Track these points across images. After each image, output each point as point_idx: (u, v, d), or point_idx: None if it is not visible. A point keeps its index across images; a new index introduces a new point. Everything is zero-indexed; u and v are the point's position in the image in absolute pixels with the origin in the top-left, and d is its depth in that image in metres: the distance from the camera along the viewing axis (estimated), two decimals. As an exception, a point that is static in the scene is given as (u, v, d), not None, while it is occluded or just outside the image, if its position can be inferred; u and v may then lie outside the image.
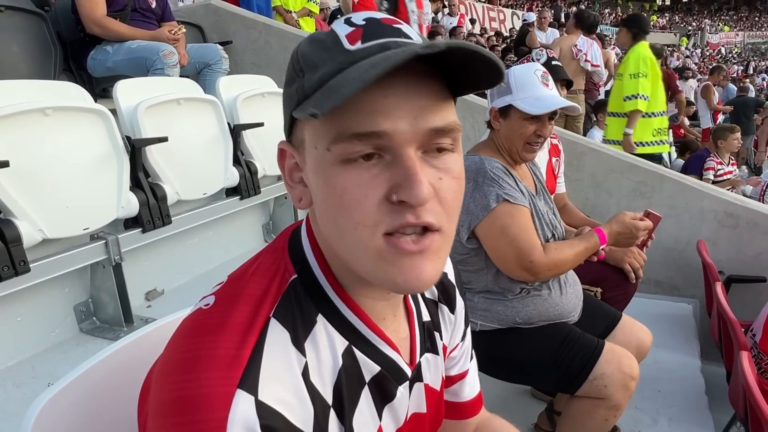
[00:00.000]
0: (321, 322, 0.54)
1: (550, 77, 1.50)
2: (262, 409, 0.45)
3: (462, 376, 0.80)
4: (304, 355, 0.51)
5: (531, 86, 1.44)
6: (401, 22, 0.51)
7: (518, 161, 1.50)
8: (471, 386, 0.81)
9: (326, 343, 0.53)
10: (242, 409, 0.44)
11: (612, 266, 1.81)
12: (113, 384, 0.70)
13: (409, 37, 0.49)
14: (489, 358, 1.43)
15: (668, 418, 1.85)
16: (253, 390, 0.45)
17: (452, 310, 0.73)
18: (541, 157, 2.09)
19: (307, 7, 4.66)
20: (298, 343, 0.51)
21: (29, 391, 1.49)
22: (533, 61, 2.03)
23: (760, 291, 2.45)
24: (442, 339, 0.71)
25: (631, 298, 1.83)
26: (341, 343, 0.55)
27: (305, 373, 0.50)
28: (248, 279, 0.54)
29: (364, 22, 0.49)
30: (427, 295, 0.70)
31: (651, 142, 3.78)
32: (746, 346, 1.67)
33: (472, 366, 0.82)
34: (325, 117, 0.46)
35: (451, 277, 0.74)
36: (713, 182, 4.25)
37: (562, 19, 11.93)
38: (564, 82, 2.08)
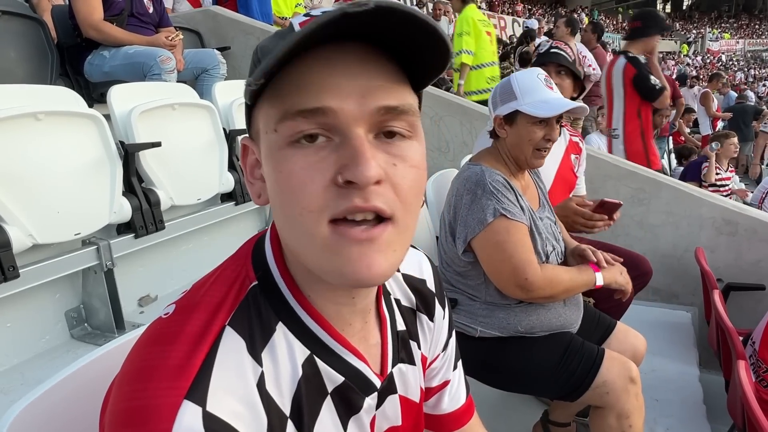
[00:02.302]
0: (281, 330, 0.52)
1: (552, 81, 1.48)
2: (210, 421, 0.43)
3: (442, 387, 0.77)
4: (261, 365, 0.49)
5: (536, 90, 1.42)
6: None
7: (525, 168, 1.48)
8: (453, 397, 0.78)
9: (285, 353, 0.52)
10: (188, 420, 0.43)
11: None
12: (96, 389, 0.68)
13: None
14: (488, 367, 1.41)
15: (666, 427, 1.82)
16: (200, 401, 0.44)
17: (431, 318, 0.71)
18: (555, 152, 2.06)
19: (298, 12, 4.69)
20: (255, 352, 0.49)
21: (17, 397, 1.46)
22: (537, 51, 2.05)
23: (759, 299, 2.43)
24: (420, 349, 0.68)
25: (625, 309, 1.81)
26: (302, 352, 0.53)
27: (260, 383, 0.49)
28: (209, 287, 0.53)
29: (321, 13, 0.48)
30: (404, 303, 0.68)
31: (486, 89, 4.43)
32: (744, 355, 1.65)
33: (456, 376, 0.79)
34: (275, 97, 0.45)
35: (431, 285, 0.72)
36: (710, 186, 4.24)
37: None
38: (567, 71, 2.06)
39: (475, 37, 4.40)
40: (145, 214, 1.92)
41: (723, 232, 2.54)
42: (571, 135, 2.21)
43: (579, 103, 1.46)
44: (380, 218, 0.46)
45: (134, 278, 1.99)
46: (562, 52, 2.12)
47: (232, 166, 2.35)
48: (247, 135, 0.55)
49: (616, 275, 1.43)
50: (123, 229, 1.90)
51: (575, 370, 1.32)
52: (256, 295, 0.52)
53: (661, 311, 2.62)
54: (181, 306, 0.52)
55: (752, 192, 4.88)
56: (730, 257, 2.53)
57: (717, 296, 1.97)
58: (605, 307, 1.73)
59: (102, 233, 1.83)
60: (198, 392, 0.44)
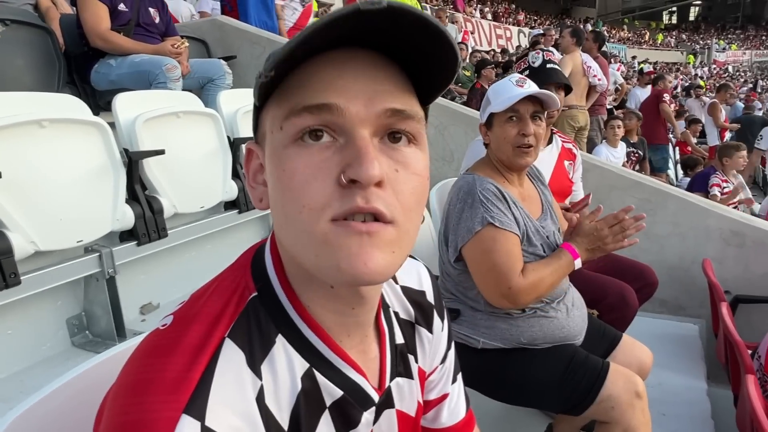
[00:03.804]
0: (280, 342, 0.51)
1: (528, 81, 1.47)
2: None
3: (440, 400, 0.75)
4: (260, 378, 0.48)
5: (505, 90, 1.44)
6: None
7: (515, 171, 1.47)
8: (453, 411, 0.76)
9: (285, 365, 0.51)
10: None
11: (606, 288, 1.77)
12: (93, 398, 0.67)
13: None
14: (491, 379, 1.39)
15: (673, 442, 1.79)
16: (199, 415, 0.43)
17: (430, 331, 0.69)
18: (547, 160, 2.05)
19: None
20: (254, 365, 0.48)
21: (16, 405, 1.46)
22: (530, 63, 2.00)
23: (768, 312, 2.39)
24: (417, 362, 0.67)
25: (630, 321, 1.78)
26: (301, 365, 0.52)
27: (260, 397, 0.47)
28: (207, 298, 0.52)
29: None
30: (403, 315, 0.67)
31: None
32: (752, 369, 1.62)
33: (455, 389, 0.77)
34: (282, 98, 0.46)
35: (430, 297, 0.71)
36: (720, 199, 4.20)
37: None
38: (562, 86, 2.03)
39: None
40: (148, 222, 1.92)
41: (731, 244, 2.51)
42: (563, 141, 2.19)
43: (544, 91, 1.42)
44: (378, 221, 0.46)
45: (136, 286, 1.99)
46: (556, 66, 2.09)
47: (235, 174, 2.36)
48: (252, 140, 0.55)
49: (590, 247, 1.39)
50: (125, 236, 1.90)
51: (579, 384, 1.29)
52: (256, 306, 0.51)
53: (667, 323, 2.58)
54: (179, 317, 0.51)
55: (759, 203, 4.84)
56: (738, 269, 2.50)
57: (725, 309, 1.94)
58: (609, 318, 1.70)
59: (104, 240, 1.83)
60: (197, 406, 0.43)
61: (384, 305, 0.64)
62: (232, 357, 0.47)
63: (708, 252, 2.54)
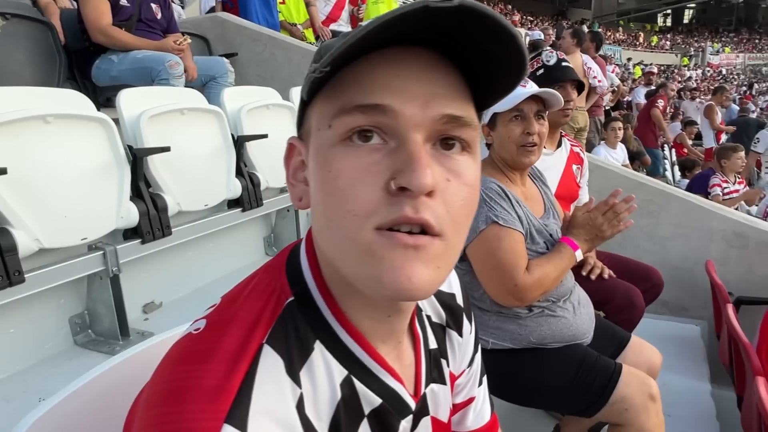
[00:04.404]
0: (318, 348, 0.49)
1: (529, 81, 1.49)
2: None
3: (467, 403, 0.74)
4: (300, 386, 0.46)
5: None
6: None
7: (519, 170, 1.47)
8: (477, 414, 0.75)
9: (324, 373, 0.48)
10: None
11: (613, 290, 1.77)
12: (107, 402, 0.66)
13: None
14: (502, 380, 1.38)
15: (679, 444, 1.79)
16: (241, 425, 0.40)
17: (460, 334, 0.68)
18: (554, 164, 2.05)
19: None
20: (293, 372, 0.46)
21: (19, 406, 1.44)
22: (542, 62, 1.99)
23: (770, 313, 2.39)
24: (449, 367, 0.66)
25: (637, 322, 1.78)
26: (340, 372, 0.50)
27: (300, 406, 0.45)
28: (242, 302, 0.50)
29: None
30: (435, 319, 0.65)
31: None
32: (761, 370, 1.62)
33: (480, 392, 0.76)
34: (333, 94, 0.43)
35: (459, 300, 0.70)
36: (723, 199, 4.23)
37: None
38: (575, 83, 2.04)
39: None
40: (152, 220, 1.89)
41: (734, 245, 2.52)
42: (572, 145, 2.19)
43: (545, 89, 1.43)
44: (424, 233, 0.43)
45: (139, 284, 1.96)
46: (570, 64, 2.10)
47: (239, 173, 2.33)
48: (294, 135, 0.53)
49: (589, 237, 1.40)
50: (129, 234, 1.88)
51: (592, 385, 1.29)
52: (293, 311, 0.49)
53: (670, 324, 2.59)
54: (213, 321, 0.48)
55: (756, 205, 4.86)
56: (741, 270, 2.51)
57: (731, 310, 1.94)
58: (617, 320, 1.70)
59: (108, 238, 1.80)
60: (238, 415, 0.41)
61: (417, 309, 0.62)
62: (271, 364, 0.45)
63: (711, 253, 2.55)
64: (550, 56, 2.00)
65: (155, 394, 0.44)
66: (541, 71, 1.96)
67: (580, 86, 2.09)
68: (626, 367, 1.30)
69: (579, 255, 1.40)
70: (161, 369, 0.46)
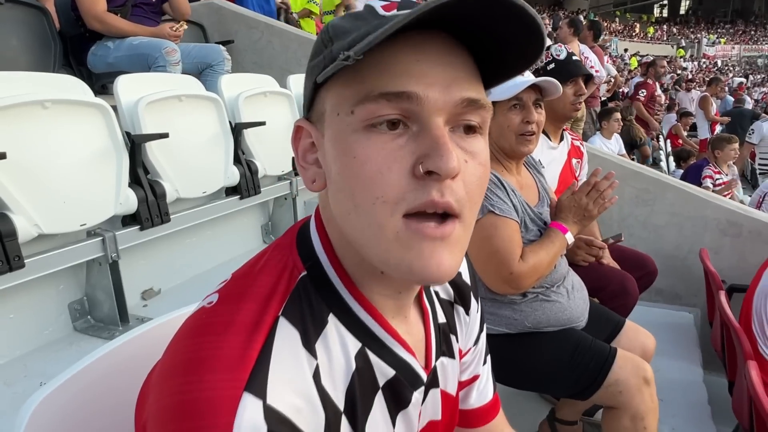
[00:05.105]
0: (332, 321, 0.50)
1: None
2: (271, 415, 0.40)
3: (471, 381, 0.76)
4: (315, 357, 0.47)
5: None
6: None
7: (516, 159, 1.48)
8: (481, 393, 0.77)
9: (338, 345, 0.50)
10: (250, 414, 0.40)
11: (608, 277, 1.79)
12: (108, 384, 0.67)
13: None
14: (497, 364, 1.40)
15: (671, 427, 1.82)
16: (261, 394, 0.41)
17: (467, 311, 0.70)
18: (557, 158, 2.06)
19: (307, 8, 4.66)
20: (309, 344, 0.47)
21: (20, 390, 1.45)
22: (552, 56, 1.99)
23: (762, 301, 2.43)
24: (458, 342, 0.67)
25: (631, 309, 1.80)
26: (354, 344, 0.51)
27: (316, 376, 0.46)
28: (255, 276, 0.51)
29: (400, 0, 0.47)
30: (443, 295, 0.67)
31: None
32: (751, 355, 1.65)
33: (485, 371, 0.77)
34: (353, 78, 0.44)
35: (465, 276, 0.71)
36: (713, 191, 4.25)
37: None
38: (585, 77, 2.05)
39: None
40: (151, 206, 1.89)
41: (727, 234, 2.55)
42: (573, 139, 2.20)
43: (543, 78, 1.44)
44: (446, 214, 0.45)
45: (138, 271, 1.97)
46: (579, 59, 2.10)
47: (237, 160, 2.33)
48: (301, 118, 0.53)
49: (577, 219, 1.43)
50: (128, 220, 1.88)
51: (587, 368, 1.31)
52: (306, 285, 0.50)
53: (664, 312, 2.62)
54: (227, 295, 0.49)
55: (749, 195, 4.91)
56: (734, 259, 2.54)
57: (723, 297, 1.97)
58: (611, 307, 1.72)
59: (107, 225, 1.80)
60: (257, 384, 0.41)
61: (425, 285, 0.63)
62: (287, 336, 0.46)
63: (705, 242, 2.58)
64: (559, 50, 2.01)
65: (173, 366, 0.44)
66: (552, 65, 1.96)
67: (588, 77, 2.10)
68: (621, 351, 1.32)
69: (570, 238, 1.42)
70: (177, 341, 0.47)
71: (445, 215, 0.45)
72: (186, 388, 0.41)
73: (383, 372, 0.53)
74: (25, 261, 1.51)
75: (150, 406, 0.44)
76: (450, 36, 0.46)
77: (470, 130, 0.47)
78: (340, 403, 0.49)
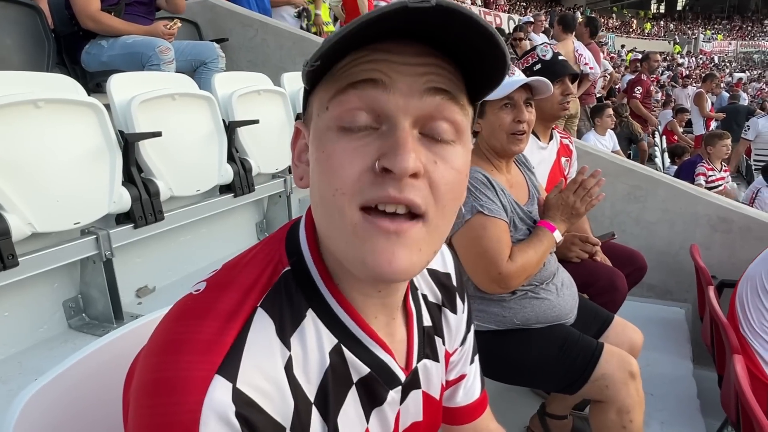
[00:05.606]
0: (310, 317, 0.52)
1: (516, 69, 1.51)
2: (239, 397, 0.43)
3: (458, 380, 0.77)
4: (289, 349, 0.49)
5: None
6: None
7: (506, 158, 1.50)
8: (468, 391, 0.78)
9: (314, 340, 0.52)
10: (219, 394, 0.43)
11: (597, 273, 1.81)
12: (100, 380, 0.68)
13: None
14: (487, 360, 1.42)
15: (660, 421, 1.85)
16: (231, 377, 0.44)
17: (454, 312, 0.71)
18: (547, 158, 2.07)
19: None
20: (284, 336, 0.49)
21: (15, 386, 1.47)
22: (538, 57, 2.00)
23: (751, 296, 2.45)
24: (444, 345, 0.68)
25: (619, 305, 1.82)
26: (330, 340, 0.53)
27: (288, 367, 0.49)
28: (242, 268, 0.53)
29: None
30: (431, 298, 0.68)
31: None
32: (738, 349, 1.67)
33: (472, 370, 0.79)
34: (331, 81, 0.47)
35: (454, 279, 0.72)
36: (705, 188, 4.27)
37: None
38: (572, 77, 2.05)
39: None
40: (145, 205, 1.90)
41: (718, 230, 2.57)
42: (561, 137, 2.21)
43: (534, 78, 1.45)
44: (413, 215, 0.46)
45: (132, 269, 1.98)
46: (565, 58, 2.11)
47: (231, 158, 2.34)
48: (301, 120, 0.56)
49: (565, 217, 1.45)
50: (122, 219, 1.89)
51: (574, 363, 1.33)
52: (288, 280, 0.52)
53: (655, 307, 2.64)
54: (213, 283, 0.52)
55: (744, 192, 4.93)
56: (725, 255, 2.56)
57: (712, 292, 1.99)
58: (599, 302, 1.74)
59: (101, 223, 1.81)
60: (229, 368, 0.44)
61: (412, 287, 0.65)
62: (263, 326, 0.48)
63: (696, 238, 2.60)
64: (545, 51, 2.01)
65: (155, 346, 0.47)
66: (538, 66, 1.96)
67: (575, 76, 2.11)
68: (607, 346, 1.34)
69: (558, 236, 1.43)
70: (162, 324, 0.50)
71: (411, 215, 0.46)
72: (163, 366, 0.44)
73: (357, 369, 0.55)
74: (19, 259, 1.52)
75: (133, 383, 0.47)
76: (429, 47, 0.47)
77: (444, 136, 0.47)
78: (311, 394, 0.51)
